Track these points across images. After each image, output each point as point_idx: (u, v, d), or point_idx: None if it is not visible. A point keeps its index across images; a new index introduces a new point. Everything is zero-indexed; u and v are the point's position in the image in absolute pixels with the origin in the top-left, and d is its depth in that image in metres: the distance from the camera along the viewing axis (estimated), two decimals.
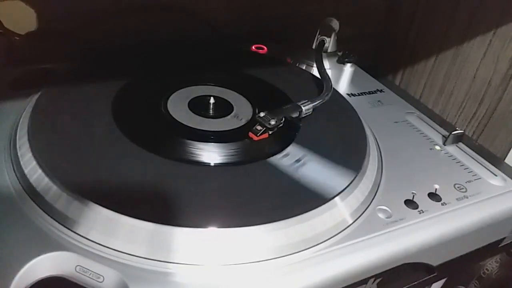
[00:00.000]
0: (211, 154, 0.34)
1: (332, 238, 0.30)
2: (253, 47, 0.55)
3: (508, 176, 0.39)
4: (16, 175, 0.31)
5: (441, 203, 0.35)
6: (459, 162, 0.40)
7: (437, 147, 0.42)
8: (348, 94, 0.50)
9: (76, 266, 0.26)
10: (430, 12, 0.59)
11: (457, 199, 0.36)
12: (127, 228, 0.27)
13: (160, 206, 0.29)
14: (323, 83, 0.44)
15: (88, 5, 0.49)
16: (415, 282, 0.36)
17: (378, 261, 0.30)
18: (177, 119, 0.38)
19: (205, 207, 0.29)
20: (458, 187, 0.37)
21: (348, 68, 0.52)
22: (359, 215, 0.32)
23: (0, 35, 0.45)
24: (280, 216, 0.29)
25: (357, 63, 0.53)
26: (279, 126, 0.37)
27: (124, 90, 0.40)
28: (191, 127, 0.37)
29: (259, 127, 0.36)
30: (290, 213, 0.29)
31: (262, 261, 0.28)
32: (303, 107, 0.39)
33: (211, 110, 0.40)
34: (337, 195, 0.32)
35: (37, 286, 0.25)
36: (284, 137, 0.37)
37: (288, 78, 0.48)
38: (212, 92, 0.42)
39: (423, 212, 0.34)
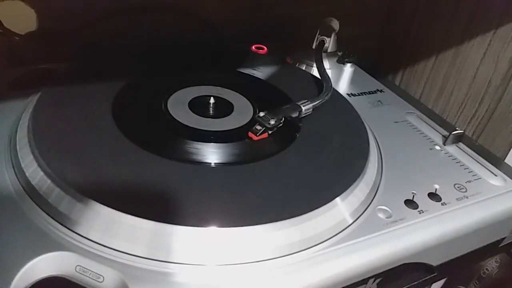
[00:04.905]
0: (211, 154, 0.34)
1: (332, 238, 0.30)
2: (253, 47, 0.55)
3: (508, 176, 0.39)
4: (16, 175, 0.31)
5: (441, 203, 0.35)
6: (459, 162, 0.40)
7: (437, 147, 0.42)
8: (348, 94, 0.50)
9: (76, 266, 0.26)
10: (430, 12, 0.59)
11: (457, 199, 0.36)
12: (127, 227, 0.27)
13: (160, 205, 0.29)
14: (323, 83, 0.44)
15: (88, 5, 0.49)
16: (415, 282, 0.36)
17: (378, 261, 0.30)
18: (177, 119, 0.38)
19: (205, 206, 0.29)
20: (458, 187, 0.37)
21: (348, 68, 0.52)
22: (359, 215, 0.32)
23: (0, 35, 0.45)
24: (280, 216, 0.29)
25: (357, 63, 0.53)
26: (278, 126, 0.37)
27: (124, 90, 0.40)
28: (191, 127, 0.37)
29: (258, 127, 0.36)
30: (290, 213, 0.29)
31: (262, 261, 0.28)
32: (302, 107, 0.39)
33: (211, 110, 0.40)
34: (337, 195, 0.32)
35: (37, 286, 0.25)
36: (283, 137, 0.37)
37: (288, 78, 0.48)
38: (212, 92, 0.42)
39: (423, 212, 0.34)
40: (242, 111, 0.40)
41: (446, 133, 0.44)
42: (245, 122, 0.39)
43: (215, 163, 0.33)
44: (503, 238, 0.40)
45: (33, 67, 0.44)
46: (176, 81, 0.43)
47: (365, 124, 0.42)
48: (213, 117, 0.39)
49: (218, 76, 0.45)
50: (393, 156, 0.40)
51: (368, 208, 0.33)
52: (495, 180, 0.39)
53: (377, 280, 0.32)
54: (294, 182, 0.33)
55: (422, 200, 0.35)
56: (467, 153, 0.42)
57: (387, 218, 0.33)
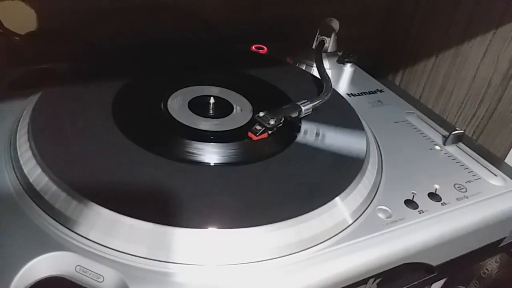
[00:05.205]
0: (210, 154, 0.34)
1: (332, 238, 0.30)
2: (253, 47, 0.55)
3: (508, 176, 0.39)
4: (16, 175, 0.31)
5: (441, 203, 0.35)
6: (459, 162, 0.40)
7: (437, 147, 0.42)
8: (348, 94, 0.50)
9: (76, 266, 0.26)
10: (430, 12, 0.59)
11: (457, 199, 0.36)
12: (127, 228, 0.27)
13: (160, 206, 0.29)
14: (323, 83, 0.44)
15: (88, 5, 0.49)
16: (415, 282, 0.36)
17: (378, 261, 0.30)
18: (177, 119, 0.38)
19: (205, 207, 0.29)
20: (458, 187, 0.37)
21: (348, 68, 0.52)
22: (359, 215, 0.32)
23: (0, 35, 0.45)
24: (280, 216, 0.29)
25: (357, 63, 0.53)
26: (278, 126, 0.37)
27: (124, 90, 0.40)
28: (191, 127, 0.37)
29: (258, 127, 0.36)
30: (290, 213, 0.29)
31: (262, 261, 0.28)
32: (302, 107, 0.39)
33: (211, 110, 0.40)
34: (337, 195, 0.32)
35: (37, 286, 0.25)
36: (283, 137, 0.37)
37: (288, 78, 0.48)
38: (212, 92, 0.42)
39: (423, 212, 0.34)
40: (242, 111, 0.40)
41: (446, 133, 0.44)
42: (245, 122, 0.39)
43: (214, 163, 0.33)
44: (503, 238, 0.40)
45: (33, 67, 0.44)
46: (176, 81, 0.43)
47: (365, 124, 0.42)
48: (213, 117, 0.39)
49: (218, 76, 0.45)
50: (393, 156, 0.40)
51: (368, 208, 0.33)
52: (495, 180, 0.39)
53: (377, 280, 0.32)
54: (293, 182, 0.33)
55: (422, 200, 0.35)
56: (467, 153, 0.42)
57: (387, 218, 0.33)
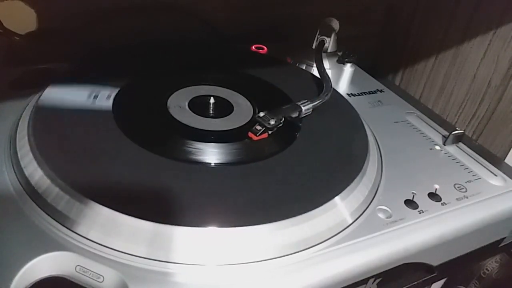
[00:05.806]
0: (211, 153, 0.34)
1: (332, 238, 0.30)
2: (253, 47, 0.55)
3: (508, 176, 0.39)
4: (16, 175, 0.31)
5: (441, 203, 0.35)
6: (459, 162, 0.40)
7: (437, 147, 0.42)
8: (348, 94, 0.50)
9: (76, 266, 0.26)
10: (430, 12, 0.59)
11: (457, 199, 0.36)
12: (127, 228, 0.27)
13: (160, 205, 0.29)
14: (323, 83, 0.44)
15: (88, 5, 0.49)
16: (415, 282, 0.36)
17: (378, 261, 0.30)
18: (177, 119, 0.38)
19: (205, 206, 0.29)
20: (458, 187, 0.37)
21: (348, 68, 0.52)
22: (359, 215, 0.32)
23: (0, 35, 0.45)
24: (280, 216, 0.29)
25: (357, 63, 0.53)
26: (278, 126, 0.37)
27: (124, 90, 0.40)
28: (191, 127, 0.37)
29: (258, 127, 0.36)
30: (290, 213, 0.29)
31: (262, 261, 0.28)
32: (302, 107, 0.39)
33: (211, 110, 0.40)
34: (337, 195, 0.32)
35: (37, 286, 0.25)
36: (283, 137, 0.37)
37: (288, 78, 0.48)
38: (212, 92, 0.42)
39: (423, 212, 0.34)
40: (242, 111, 0.40)
41: (446, 133, 0.44)
42: (245, 122, 0.39)
43: (215, 163, 0.33)
44: (503, 238, 0.40)
45: (33, 67, 0.44)
46: (176, 81, 0.43)
47: (365, 124, 0.42)
48: (213, 117, 0.39)
49: (218, 76, 0.45)
50: (393, 156, 0.40)
51: (368, 208, 0.33)
52: (495, 180, 0.39)
53: (377, 280, 0.32)
54: (293, 182, 0.33)
55: (422, 200, 0.35)
56: (467, 153, 0.42)
57: (387, 218, 0.33)
